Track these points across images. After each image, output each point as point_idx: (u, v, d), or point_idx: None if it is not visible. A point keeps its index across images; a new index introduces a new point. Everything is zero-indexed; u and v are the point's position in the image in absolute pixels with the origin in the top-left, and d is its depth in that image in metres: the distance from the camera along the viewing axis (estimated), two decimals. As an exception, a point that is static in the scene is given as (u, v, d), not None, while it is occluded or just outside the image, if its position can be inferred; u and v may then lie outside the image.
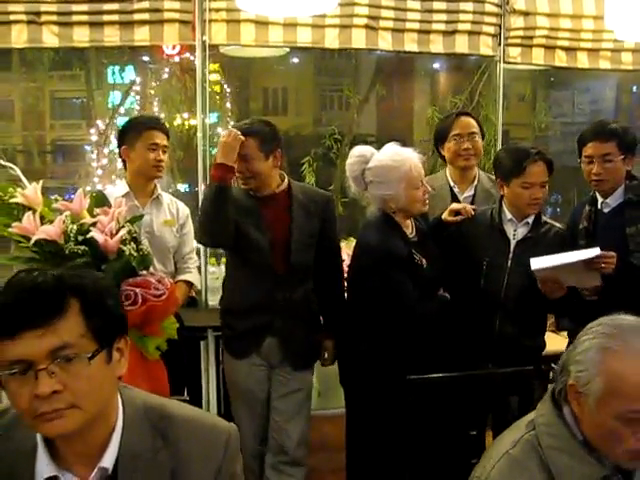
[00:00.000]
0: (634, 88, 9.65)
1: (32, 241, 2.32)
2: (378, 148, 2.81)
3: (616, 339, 1.37)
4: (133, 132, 3.09)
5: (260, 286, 2.82)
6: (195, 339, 3.69)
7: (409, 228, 2.78)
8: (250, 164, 2.78)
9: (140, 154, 3.06)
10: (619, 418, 1.34)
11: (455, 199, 3.21)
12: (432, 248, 2.79)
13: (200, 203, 2.98)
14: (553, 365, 1.45)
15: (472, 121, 3.28)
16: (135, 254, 2.45)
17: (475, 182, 3.27)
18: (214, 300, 3.75)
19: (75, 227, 2.38)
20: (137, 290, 2.33)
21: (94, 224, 2.38)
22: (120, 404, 1.31)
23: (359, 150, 2.78)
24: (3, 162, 2.75)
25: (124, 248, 2.42)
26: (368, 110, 6.63)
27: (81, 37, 3.77)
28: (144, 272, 2.51)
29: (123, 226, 2.49)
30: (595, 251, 2.53)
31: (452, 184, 3.28)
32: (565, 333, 3.37)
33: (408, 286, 2.61)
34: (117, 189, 3.18)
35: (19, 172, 2.60)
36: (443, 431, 2.35)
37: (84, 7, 3.72)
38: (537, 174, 2.74)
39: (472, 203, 3.14)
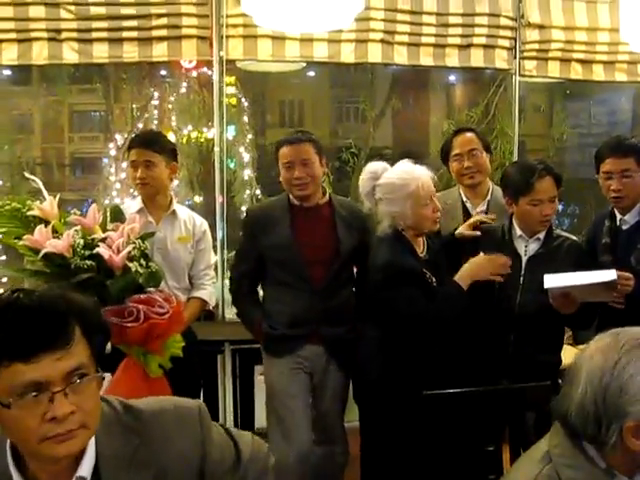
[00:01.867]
0: (651, 98, 9.60)
1: (40, 254, 2.35)
2: (394, 162, 2.82)
3: None
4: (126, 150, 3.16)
5: (299, 302, 2.89)
6: (211, 353, 3.70)
7: (420, 246, 2.78)
8: (310, 168, 2.87)
9: (128, 172, 3.13)
10: None
11: (467, 215, 3.20)
12: (444, 267, 2.79)
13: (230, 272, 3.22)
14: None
15: (472, 137, 3.23)
16: (142, 271, 2.47)
17: (488, 197, 3.25)
18: (231, 313, 3.76)
19: (82, 242, 2.42)
20: (140, 307, 2.37)
21: (104, 239, 2.42)
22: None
23: (371, 167, 2.80)
24: (27, 175, 2.79)
25: (130, 265, 2.44)
26: (384, 123, 6.65)
27: (100, 53, 3.83)
28: (151, 289, 2.54)
29: (133, 242, 2.51)
30: (612, 274, 2.50)
31: (465, 199, 3.27)
32: (583, 346, 3.33)
33: (420, 298, 2.60)
34: (134, 204, 3.20)
35: (41, 185, 2.64)
36: (459, 446, 2.34)
37: (104, 24, 3.78)
38: (545, 190, 2.71)
39: None
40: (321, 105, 8.11)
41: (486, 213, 3.20)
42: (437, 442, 2.21)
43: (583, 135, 8.62)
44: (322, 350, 2.92)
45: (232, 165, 5.28)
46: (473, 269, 2.64)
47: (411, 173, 2.70)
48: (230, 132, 5.34)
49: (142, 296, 2.40)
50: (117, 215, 2.74)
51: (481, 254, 2.68)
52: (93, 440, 1.28)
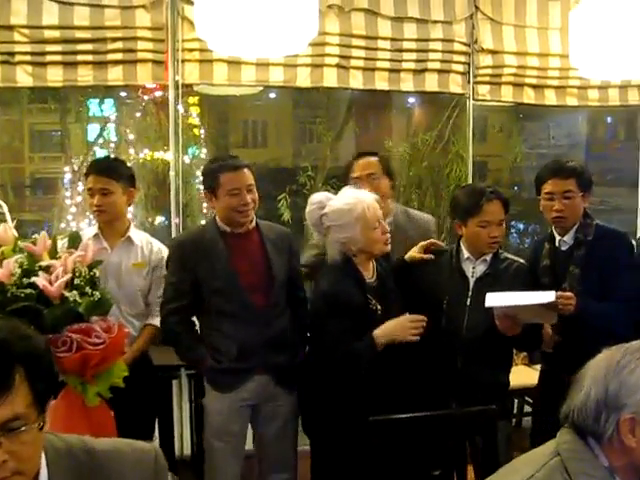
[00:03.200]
0: (608, 119, 9.83)
1: None
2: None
3: None
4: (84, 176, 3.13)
5: (243, 332, 2.82)
6: (167, 378, 3.67)
7: (370, 272, 2.80)
8: (254, 194, 2.85)
9: (85, 198, 3.11)
10: None
11: None
12: (392, 292, 2.81)
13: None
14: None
15: (373, 161, 3.21)
16: (81, 300, 2.44)
17: (390, 218, 3.18)
18: (187, 338, 3.73)
19: (19, 271, 2.41)
20: (74, 337, 2.35)
21: (47, 267, 2.40)
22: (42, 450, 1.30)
23: (316, 197, 2.82)
24: None
25: (68, 294, 2.42)
26: (344, 145, 6.70)
27: (55, 77, 3.80)
28: (95, 318, 2.51)
29: (78, 271, 2.49)
30: (551, 295, 2.56)
31: None
32: (538, 366, 3.38)
33: (348, 334, 2.61)
34: (88, 231, 3.19)
35: (6, 209, 2.63)
36: (406, 471, 2.35)
37: (57, 47, 3.76)
38: (494, 212, 2.78)
39: None
40: (283, 125, 8.15)
41: None
42: (385, 467, 2.21)
43: (543, 155, 8.79)
44: (269, 379, 2.87)
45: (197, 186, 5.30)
46: (396, 329, 2.61)
47: (356, 197, 2.73)
48: (191, 152, 5.36)
49: (83, 325, 2.38)
50: (75, 242, 2.73)
51: (406, 314, 2.66)
52: (45, 473, 1.26)
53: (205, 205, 5.33)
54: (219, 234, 2.88)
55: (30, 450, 1.20)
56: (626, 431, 1.39)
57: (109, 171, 3.10)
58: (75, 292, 2.38)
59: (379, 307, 2.69)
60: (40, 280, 2.35)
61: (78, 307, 2.38)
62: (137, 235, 3.22)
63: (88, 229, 3.34)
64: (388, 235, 2.77)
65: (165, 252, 3.22)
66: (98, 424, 2.38)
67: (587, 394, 1.43)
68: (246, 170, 2.86)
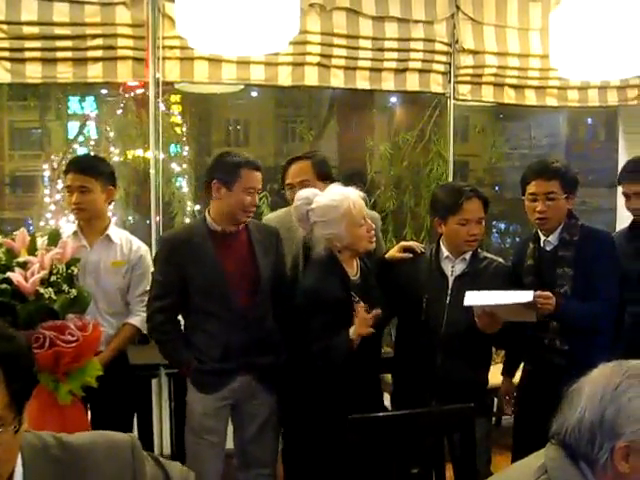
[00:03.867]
0: (589, 120, 9.90)
1: None
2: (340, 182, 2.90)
3: None
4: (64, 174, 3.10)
5: (227, 332, 2.81)
6: (146, 377, 3.65)
7: (354, 268, 2.81)
8: (255, 197, 2.86)
9: (64, 196, 3.08)
10: None
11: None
12: (374, 290, 2.82)
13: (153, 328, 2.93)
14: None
15: (304, 167, 3.13)
16: (56, 297, 2.42)
17: None
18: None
19: None
20: (47, 333, 2.34)
21: (24, 264, 2.39)
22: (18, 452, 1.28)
23: (303, 193, 2.83)
24: None
25: (43, 291, 2.40)
26: (325, 144, 6.69)
27: (33, 73, 3.77)
28: (71, 315, 2.50)
29: (55, 267, 2.48)
30: (528, 295, 2.57)
31: None
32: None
33: (328, 331, 2.63)
34: (68, 228, 3.16)
35: None
36: (385, 470, 2.35)
37: (37, 44, 3.73)
38: (473, 210, 2.80)
39: None
40: (266, 123, 8.12)
41: None
42: (362, 466, 2.21)
43: (524, 156, 8.84)
44: (250, 378, 2.86)
45: (178, 184, 5.27)
46: (360, 325, 2.61)
47: (342, 194, 2.75)
48: (173, 150, 5.33)
49: (57, 322, 2.37)
50: (55, 239, 2.72)
51: (360, 304, 2.65)
52: (20, 471, 1.25)
53: (189, 204, 5.31)
54: (208, 233, 2.87)
55: (5, 453, 1.19)
56: (619, 458, 1.35)
57: (88, 169, 3.08)
58: (50, 289, 2.36)
59: (362, 304, 2.70)
60: (15, 275, 2.34)
61: (53, 304, 2.36)
62: (117, 233, 3.20)
63: (68, 227, 3.31)
64: (373, 233, 2.79)
65: (145, 250, 3.22)
66: (72, 423, 2.37)
67: (582, 415, 1.37)
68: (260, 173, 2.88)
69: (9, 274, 2.34)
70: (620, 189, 3.38)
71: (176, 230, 3.49)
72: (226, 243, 2.87)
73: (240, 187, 2.80)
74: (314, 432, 2.69)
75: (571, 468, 1.39)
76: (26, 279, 2.35)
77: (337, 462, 2.39)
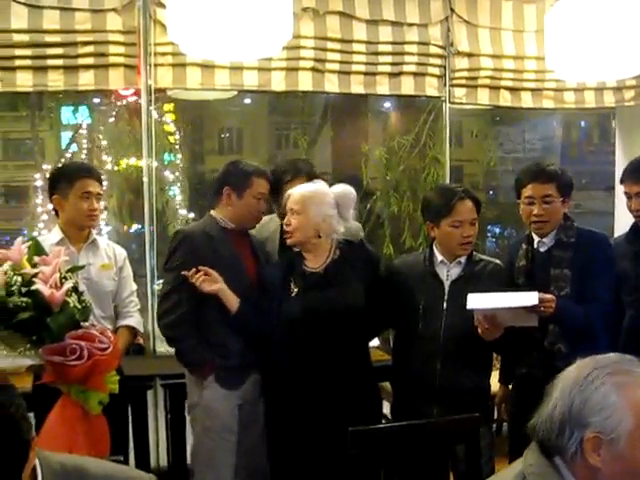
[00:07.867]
0: (582, 123, 9.92)
1: None
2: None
3: (623, 374, 1.38)
4: (65, 181, 3.01)
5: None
6: (141, 388, 3.59)
7: (318, 261, 2.81)
8: (262, 204, 2.99)
9: (73, 204, 2.98)
10: None
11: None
12: (337, 277, 2.79)
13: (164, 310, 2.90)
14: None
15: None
16: (79, 306, 2.39)
17: None
18: (161, 347, 3.67)
19: (19, 279, 2.32)
20: (83, 344, 2.28)
21: (36, 275, 2.32)
22: (39, 468, 1.26)
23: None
24: None
25: (68, 300, 2.36)
26: (324, 149, 6.67)
27: (24, 82, 3.70)
28: (85, 324, 2.45)
29: (65, 277, 2.43)
30: (534, 298, 2.53)
31: None
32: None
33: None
34: (51, 236, 3.09)
35: None
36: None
37: (27, 52, 3.67)
38: (466, 211, 2.74)
39: None
40: (259, 131, 8.11)
41: None
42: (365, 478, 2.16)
43: (518, 159, 8.85)
44: (258, 379, 2.89)
45: (171, 193, 5.23)
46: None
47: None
48: (166, 158, 5.29)
49: (80, 332, 2.31)
50: (37, 249, 2.65)
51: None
52: None
53: (181, 213, 5.27)
54: (223, 230, 2.94)
55: None
56: (590, 450, 1.35)
57: (100, 177, 3.14)
58: (73, 298, 2.31)
59: (295, 290, 2.75)
60: (44, 287, 2.26)
61: (77, 313, 2.31)
62: (99, 238, 3.21)
63: (48, 235, 3.25)
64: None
65: (125, 254, 3.22)
66: (98, 434, 2.32)
67: (553, 407, 1.40)
68: None
69: (37, 286, 2.26)
70: (620, 190, 3.35)
71: (193, 226, 3.39)
72: (237, 240, 2.96)
73: (251, 194, 2.93)
74: (300, 440, 2.66)
75: (549, 470, 1.40)
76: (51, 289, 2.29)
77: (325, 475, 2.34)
